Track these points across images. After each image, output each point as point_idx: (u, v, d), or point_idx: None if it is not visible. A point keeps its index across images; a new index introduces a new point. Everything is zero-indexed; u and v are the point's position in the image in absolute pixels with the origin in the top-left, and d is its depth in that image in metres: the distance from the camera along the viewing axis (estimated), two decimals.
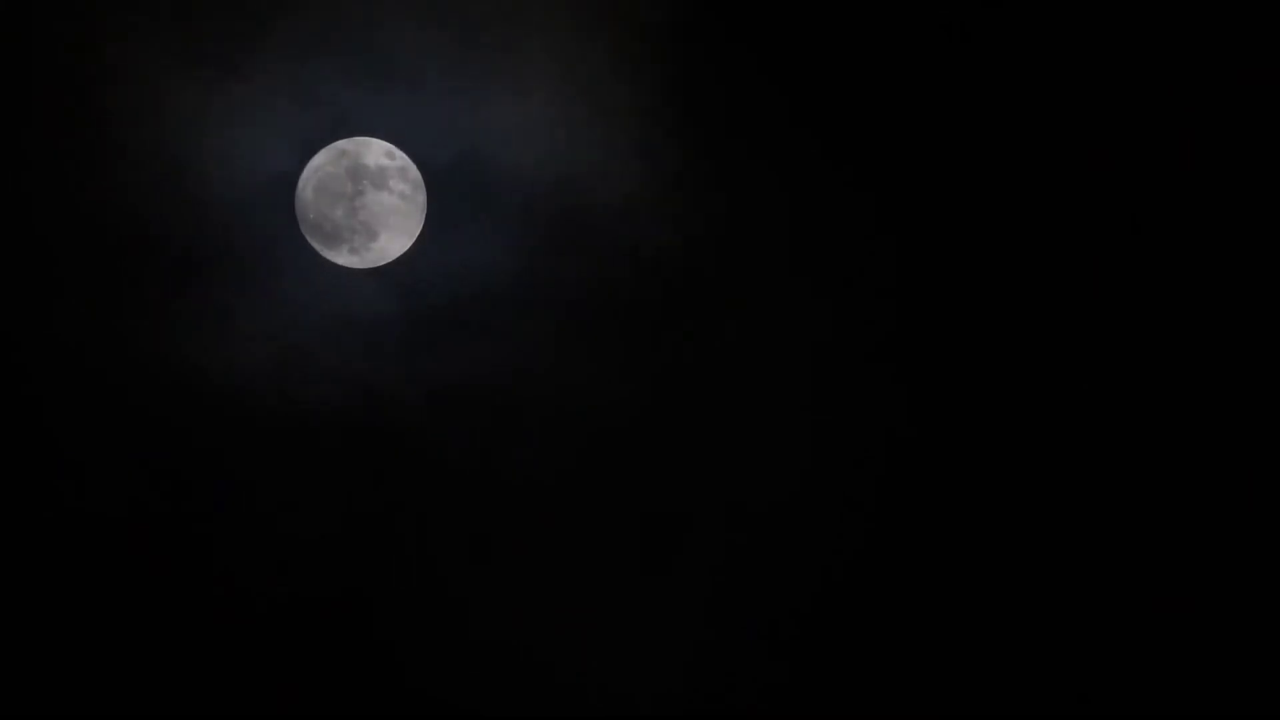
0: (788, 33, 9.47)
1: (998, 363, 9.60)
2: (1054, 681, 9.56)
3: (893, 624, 9.62)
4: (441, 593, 9.64)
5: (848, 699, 9.59)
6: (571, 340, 9.60)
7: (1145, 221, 9.48)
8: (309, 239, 9.44)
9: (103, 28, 9.17)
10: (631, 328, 9.63)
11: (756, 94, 9.53)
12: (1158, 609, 9.53)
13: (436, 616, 9.64)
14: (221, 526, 9.52)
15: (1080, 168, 9.49)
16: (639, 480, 9.62)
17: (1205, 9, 9.35)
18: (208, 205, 9.37)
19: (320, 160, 9.39)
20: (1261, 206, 9.43)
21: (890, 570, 9.64)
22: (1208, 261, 9.45)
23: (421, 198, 9.49)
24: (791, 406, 9.66)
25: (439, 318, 9.56)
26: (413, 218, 9.48)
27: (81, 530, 9.42)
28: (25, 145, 9.24)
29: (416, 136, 9.44)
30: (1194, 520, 9.57)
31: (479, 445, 9.61)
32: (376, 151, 9.43)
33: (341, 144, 9.43)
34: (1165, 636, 9.53)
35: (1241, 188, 9.43)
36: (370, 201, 9.42)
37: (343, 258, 9.48)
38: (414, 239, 9.51)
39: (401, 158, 9.46)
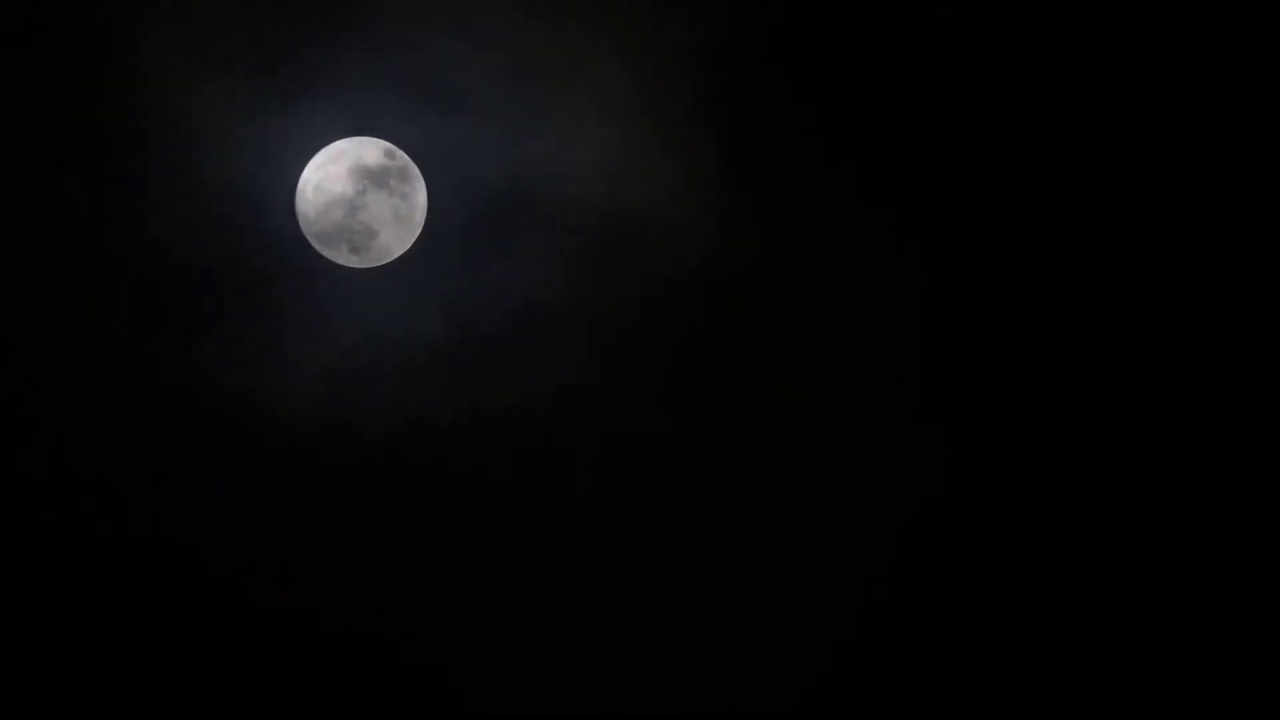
0: (828, 58, 9.49)
1: (1019, 383, 9.63)
2: (1078, 682, 9.58)
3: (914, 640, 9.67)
4: (484, 612, 9.66)
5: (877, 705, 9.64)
6: (615, 360, 9.62)
7: (1176, 247, 9.52)
8: (309, 238, 9.44)
9: (157, 63, 9.20)
10: (672, 348, 9.65)
11: (796, 119, 9.55)
12: (1160, 609, 9.54)
13: (483, 636, 9.66)
14: (267, 550, 9.55)
15: (1112, 201, 9.53)
16: (677, 496, 9.65)
17: (1206, 9, 9.37)
18: (257, 233, 9.41)
19: (321, 159, 9.40)
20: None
21: (910, 588, 9.68)
22: (1239, 283, 9.49)
23: (421, 197, 9.50)
24: (825, 425, 9.68)
25: (486, 340, 9.58)
26: (413, 217, 9.49)
27: (130, 559, 9.45)
28: (69, 176, 9.27)
29: (466, 162, 9.45)
30: (1199, 522, 9.58)
31: (523, 464, 9.64)
32: (376, 151, 9.43)
33: (341, 144, 9.43)
34: (1169, 637, 9.54)
35: None
36: (371, 201, 9.41)
37: (342, 257, 9.47)
38: (414, 238, 9.51)
39: (402, 157, 9.45)
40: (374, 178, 9.40)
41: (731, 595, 9.66)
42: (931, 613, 9.64)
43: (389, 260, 9.49)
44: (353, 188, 9.38)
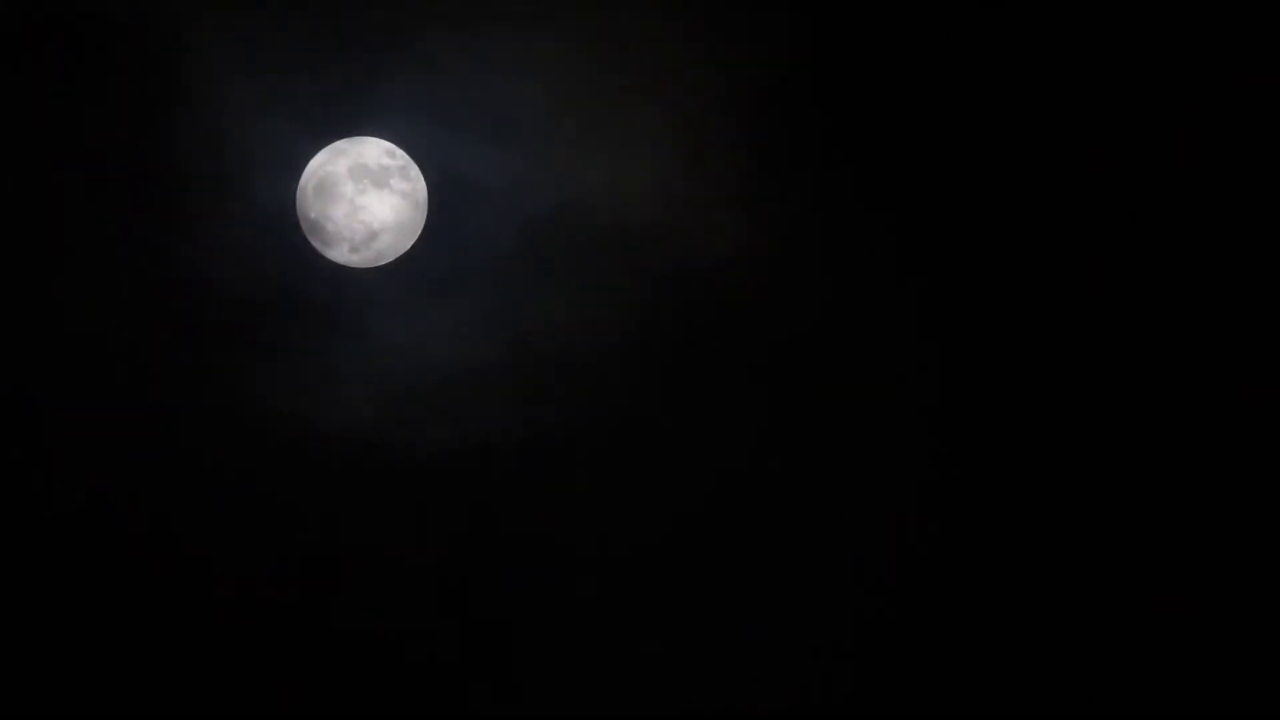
0: (872, 92, 9.51)
1: (1040, 389, 9.67)
2: (1083, 682, 9.61)
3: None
4: (539, 631, 9.68)
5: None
6: (668, 389, 9.63)
7: (1181, 247, 9.55)
8: (309, 239, 9.44)
9: (215, 95, 9.24)
10: (727, 379, 9.66)
11: (842, 153, 9.57)
12: (1160, 608, 9.55)
13: (538, 654, 9.69)
14: (328, 573, 9.58)
15: (1117, 204, 9.57)
16: (738, 526, 9.67)
17: (1206, 9, 9.38)
18: (310, 259, 9.42)
19: (321, 159, 9.40)
20: None
21: (917, 588, 9.71)
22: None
23: (422, 196, 9.49)
24: (880, 455, 9.71)
25: (543, 367, 9.60)
26: (415, 216, 9.49)
27: (192, 584, 9.50)
28: (124, 204, 9.29)
29: (520, 190, 9.47)
30: (1200, 519, 9.59)
31: (578, 493, 9.66)
32: (377, 151, 9.44)
33: (341, 143, 9.43)
34: (1169, 636, 9.56)
35: None
36: (371, 201, 9.41)
37: (342, 256, 9.47)
38: (415, 237, 9.51)
39: (402, 157, 9.45)
40: (374, 177, 9.41)
41: (783, 611, 9.69)
42: (939, 613, 9.66)
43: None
44: (353, 187, 9.38)
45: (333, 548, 9.59)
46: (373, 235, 9.41)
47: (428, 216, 9.52)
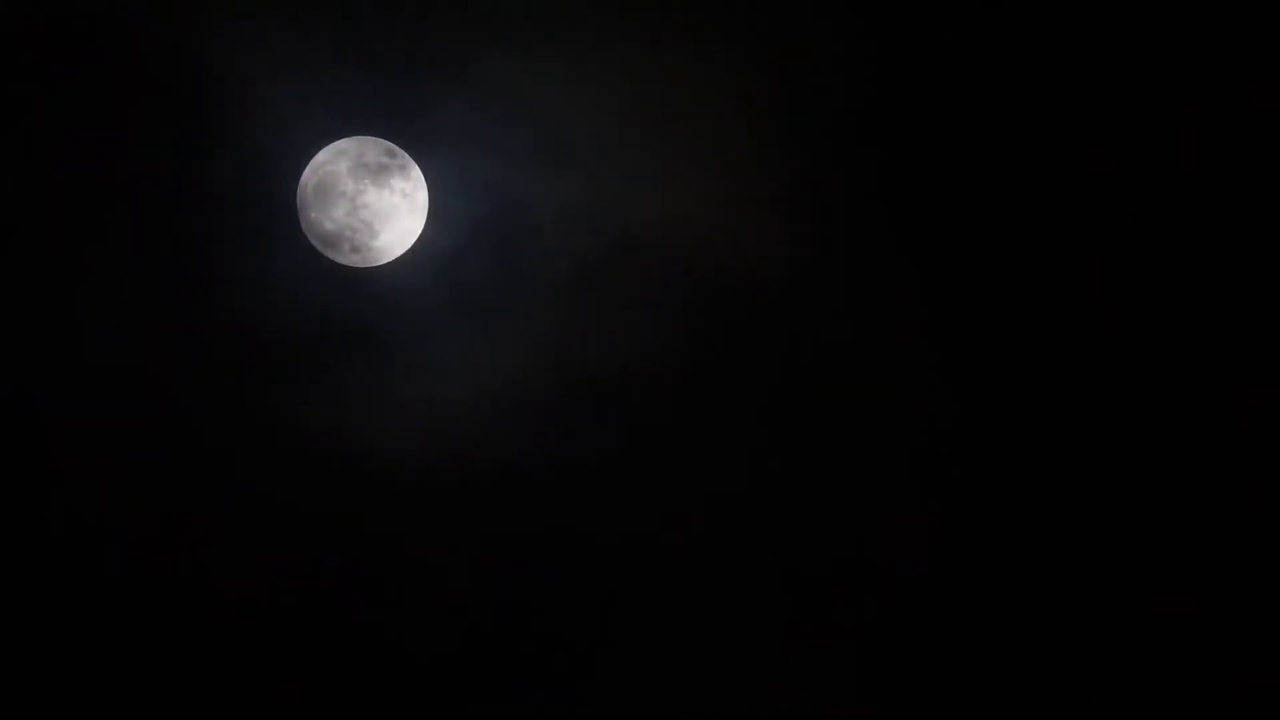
0: (938, 123, 9.53)
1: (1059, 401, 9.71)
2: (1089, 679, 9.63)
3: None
4: (597, 659, 9.71)
5: None
6: (714, 410, 9.65)
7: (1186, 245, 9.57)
8: (309, 238, 9.46)
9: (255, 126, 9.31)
10: (772, 400, 9.67)
11: (896, 181, 9.59)
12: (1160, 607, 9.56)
13: (598, 679, 9.71)
14: (381, 593, 9.64)
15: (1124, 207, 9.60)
16: (781, 546, 9.68)
17: (1206, 9, 9.38)
18: (360, 280, 9.46)
19: (322, 158, 9.41)
20: None
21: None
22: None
23: (422, 196, 9.51)
24: (924, 485, 9.74)
25: (593, 393, 9.62)
26: (414, 216, 9.51)
27: (248, 607, 9.57)
28: (177, 232, 9.35)
29: (577, 218, 9.51)
30: (1201, 515, 9.60)
31: (633, 519, 9.69)
32: (376, 150, 9.45)
33: (341, 143, 9.45)
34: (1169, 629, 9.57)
35: None
36: (371, 200, 9.43)
37: (344, 256, 9.48)
38: (416, 236, 9.53)
39: (402, 156, 9.47)
40: (374, 176, 9.42)
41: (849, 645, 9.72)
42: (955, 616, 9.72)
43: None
44: (353, 186, 9.40)
45: (380, 566, 9.63)
46: (376, 234, 9.45)
47: (428, 217, 9.55)
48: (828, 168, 9.59)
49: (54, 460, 9.37)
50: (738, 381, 9.65)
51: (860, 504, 9.71)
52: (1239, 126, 9.49)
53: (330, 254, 9.44)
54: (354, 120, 9.39)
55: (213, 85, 9.21)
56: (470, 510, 9.64)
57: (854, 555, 9.69)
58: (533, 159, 9.47)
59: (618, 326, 9.59)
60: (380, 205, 9.42)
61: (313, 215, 9.41)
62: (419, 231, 9.51)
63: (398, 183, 9.43)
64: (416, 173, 9.46)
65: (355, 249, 9.46)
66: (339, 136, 9.37)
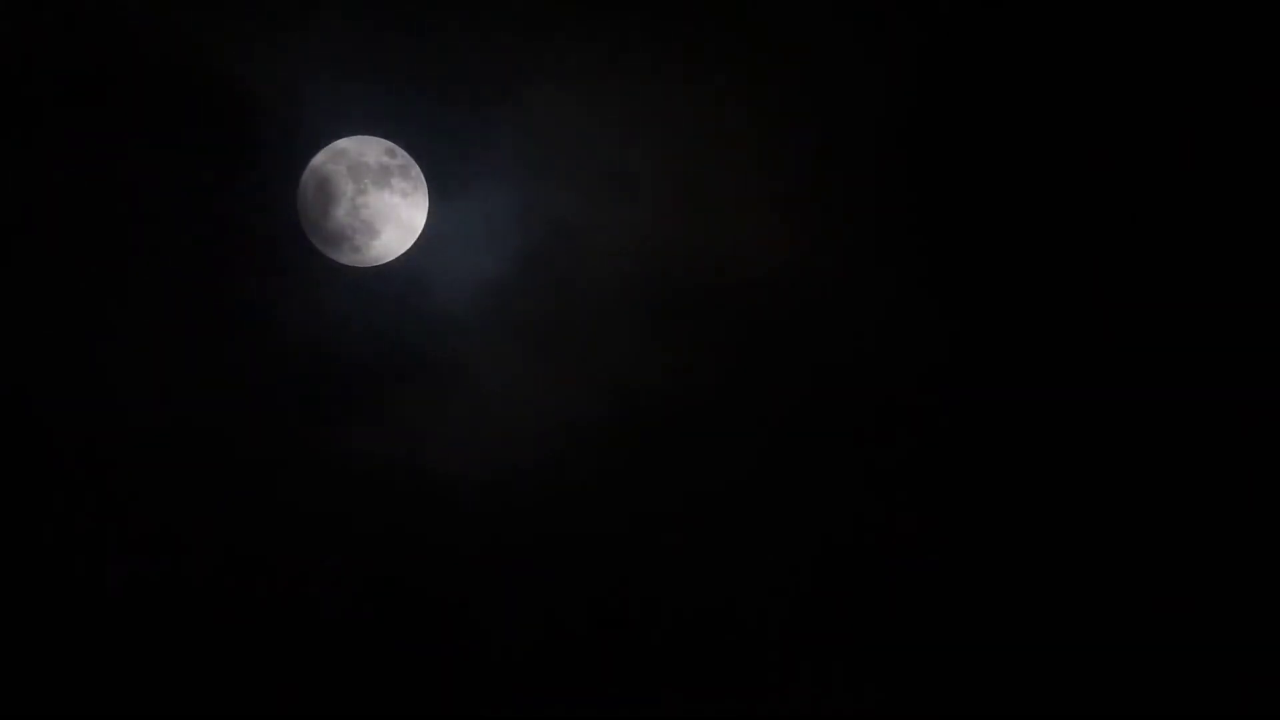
0: (1000, 152, 9.55)
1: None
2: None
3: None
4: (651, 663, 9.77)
5: None
6: (770, 439, 9.69)
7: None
8: (310, 239, 9.48)
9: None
10: (826, 429, 9.70)
11: (970, 212, 9.61)
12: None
13: (649, 682, 9.77)
14: (442, 616, 9.71)
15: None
16: (844, 580, 9.74)
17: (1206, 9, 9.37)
18: (425, 311, 9.52)
19: (321, 159, 9.43)
20: None
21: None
22: None
23: (422, 195, 9.52)
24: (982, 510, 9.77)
25: (656, 428, 9.66)
26: (414, 216, 9.52)
27: (315, 633, 9.64)
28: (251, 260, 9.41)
29: (634, 245, 9.55)
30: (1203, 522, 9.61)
31: (687, 552, 9.74)
32: (377, 150, 9.47)
33: (342, 143, 9.47)
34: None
35: None
36: (372, 200, 9.44)
37: (345, 256, 9.50)
38: (416, 236, 9.55)
39: (403, 156, 9.48)
40: (375, 177, 9.44)
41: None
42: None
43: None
44: (353, 186, 9.42)
45: (439, 591, 9.71)
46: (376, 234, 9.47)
47: (429, 217, 9.57)
48: (878, 196, 9.60)
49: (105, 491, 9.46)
50: (784, 405, 9.66)
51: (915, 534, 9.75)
52: (1236, 127, 9.50)
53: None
54: (417, 143, 9.46)
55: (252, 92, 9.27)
56: (527, 545, 9.72)
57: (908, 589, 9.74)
58: (582, 186, 9.50)
59: (671, 353, 9.62)
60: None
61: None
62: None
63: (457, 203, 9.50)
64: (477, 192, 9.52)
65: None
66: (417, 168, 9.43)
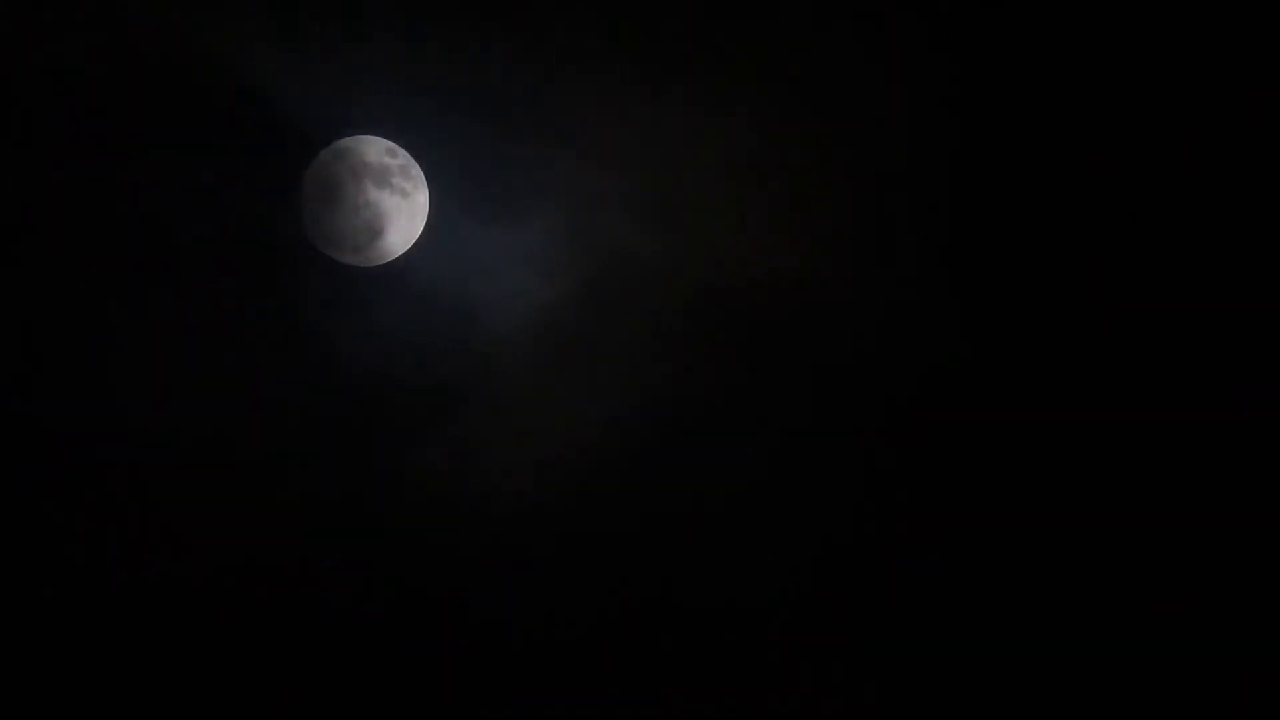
0: (1028, 168, 9.58)
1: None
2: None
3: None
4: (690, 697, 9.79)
5: None
6: (784, 452, 9.71)
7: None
8: (311, 238, 9.49)
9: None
10: (882, 455, 9.73)
11: (1000, 230, 9.64)
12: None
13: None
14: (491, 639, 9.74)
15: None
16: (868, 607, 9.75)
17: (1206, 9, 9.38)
18: (471, 340, 9.57)
19: (322, 159, 9.45)
20: None
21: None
22: None
23: (422, 195, 9.54)
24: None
25: (699, 442, 9.71)
26: (414, 215, 9.54)
27: (370, 656, 9.67)
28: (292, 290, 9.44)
29: (679, 267, 9.60)
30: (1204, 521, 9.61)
31: (687, 552, 9.76)
32: (378, 150, 9.48)
33: (343, 142, 9.48)
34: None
35: None
36: (374, 200, 9.45)
37: (347, 256, 9.51)
38: (417, 236, 9.57)
39: (404, 155, 9.49)
40: (375, 176, 9.45)
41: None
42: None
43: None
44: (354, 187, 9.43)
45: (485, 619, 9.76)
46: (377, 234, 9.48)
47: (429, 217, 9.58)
48: (927, 224, 9.62)
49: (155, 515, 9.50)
50: (829, 428, 9.67)
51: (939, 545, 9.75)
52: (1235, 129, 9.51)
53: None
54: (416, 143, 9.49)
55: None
56: (572, 567, 9.75)
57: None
58: (640, 212, 9.53)
59: (723, 378, 9.64)
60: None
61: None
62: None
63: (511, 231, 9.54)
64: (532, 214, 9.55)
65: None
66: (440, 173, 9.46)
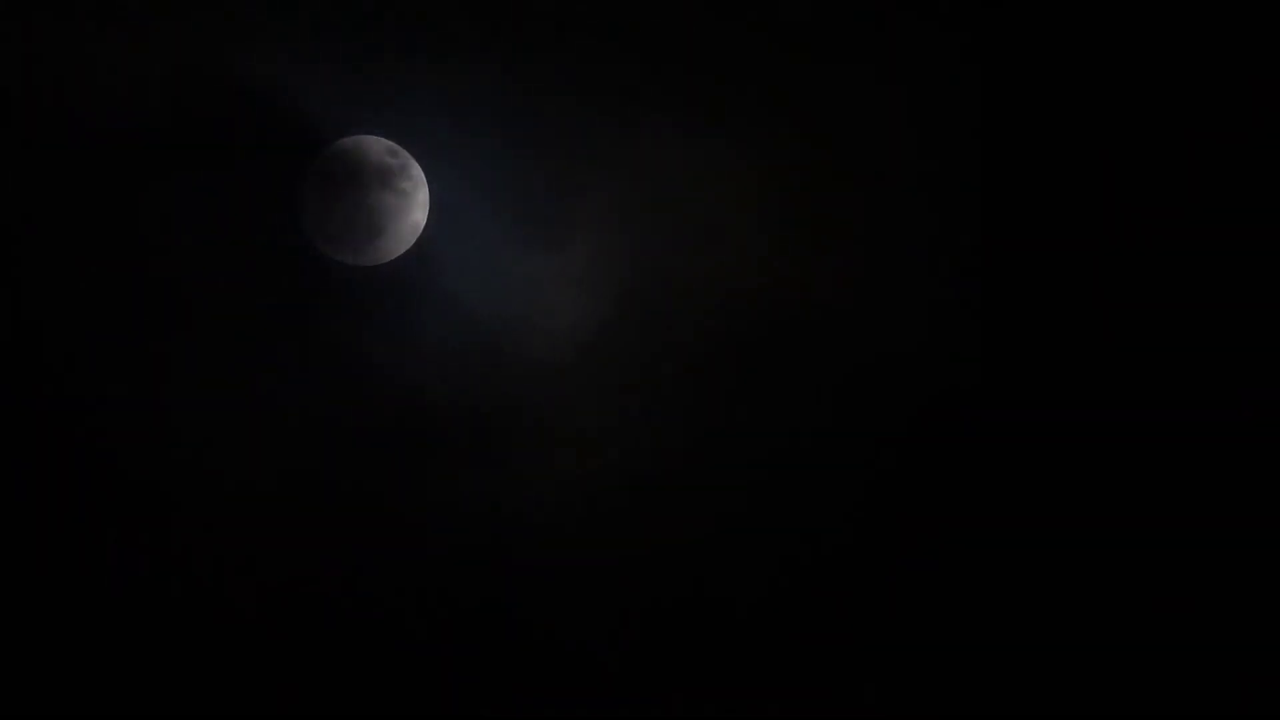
0: (1052, 187, 9.60)
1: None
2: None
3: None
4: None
5: None
6: (787, 452, 9.72)
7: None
8: (312, 239, 9.50)
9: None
10: (921, 473, 9.73)
11: (1030, 252, 9.65)
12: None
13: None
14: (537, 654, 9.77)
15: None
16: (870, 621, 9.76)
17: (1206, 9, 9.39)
18: (513, 365, 9.60)
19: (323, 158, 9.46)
20: None
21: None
22: None
23: (422, 195, 9.54)
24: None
25: (736, 459, 9.70)
26: (415, 215, 9.54)
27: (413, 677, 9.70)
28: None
29: (714, 283, 9.60)
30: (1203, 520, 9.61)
31: (687, 552, 9.76)
32: (379, 150, 9.48)
33: (345, 142, 9.48)
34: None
35: None
36: (374, 200, 9.45)
37: (346, 255, 9.51)
38: (416, 235, 9.57)
39: (404, 155, 9.49)
40: (378, 177, 9.46)
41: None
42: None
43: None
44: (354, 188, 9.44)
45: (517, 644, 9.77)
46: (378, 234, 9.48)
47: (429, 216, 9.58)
48: (966, 244, 9.64)
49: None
50: (873, 452, 9.68)
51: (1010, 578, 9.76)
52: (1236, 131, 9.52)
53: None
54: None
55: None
56: (617, 586, 9.76)
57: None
58: (672, 228, 9.53)
59: (762, 396, 9.65)
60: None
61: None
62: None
63: (554, 260, 9.55)
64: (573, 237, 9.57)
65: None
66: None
